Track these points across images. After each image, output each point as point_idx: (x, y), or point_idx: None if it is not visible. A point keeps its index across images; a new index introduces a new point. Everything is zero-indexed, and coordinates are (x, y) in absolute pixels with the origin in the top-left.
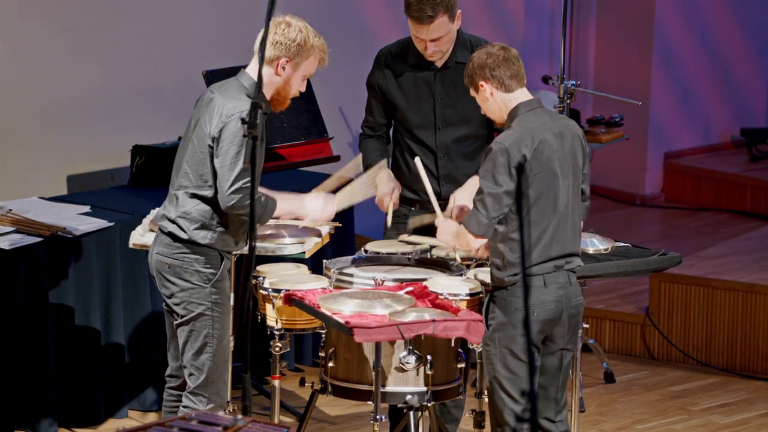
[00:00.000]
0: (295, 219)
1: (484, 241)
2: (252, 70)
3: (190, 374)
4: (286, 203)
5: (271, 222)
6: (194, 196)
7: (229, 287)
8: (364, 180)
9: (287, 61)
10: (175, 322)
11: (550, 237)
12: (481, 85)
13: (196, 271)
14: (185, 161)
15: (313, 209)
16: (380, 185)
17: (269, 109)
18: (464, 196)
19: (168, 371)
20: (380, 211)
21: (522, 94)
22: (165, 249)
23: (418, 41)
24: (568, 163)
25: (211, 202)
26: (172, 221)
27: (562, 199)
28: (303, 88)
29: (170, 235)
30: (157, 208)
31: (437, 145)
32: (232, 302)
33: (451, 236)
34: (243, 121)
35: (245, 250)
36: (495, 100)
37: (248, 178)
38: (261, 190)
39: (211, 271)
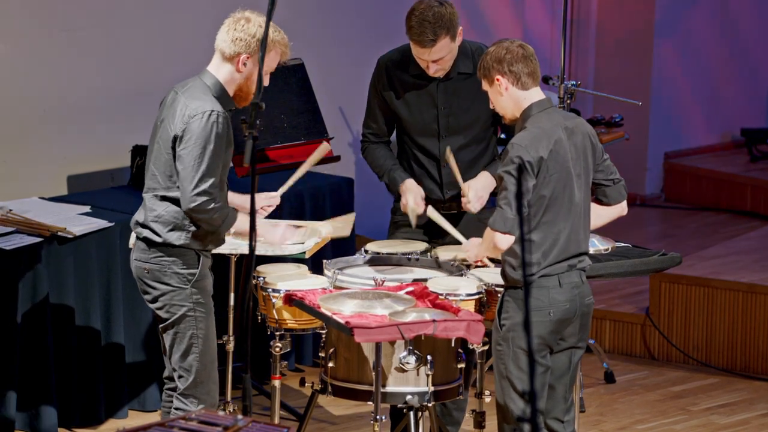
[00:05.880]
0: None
1: (512, 239)
2: (214, 68)
3: (180, 376)
4: (244, 220)
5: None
6: (164, 198)
7: (211, 285)
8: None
9: (248, 57)
10: (160, 326)
11: (566, 237)
12: (498, 80)
13: (175, 273)
14: (153, 164)
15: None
16: (407, 193)
17: (233, 105)
18: (478, 184)
19: (165, 373)
20: (380, 211)
21: (536, 93)
22: (142, 254)
23: (421, 61)
24: (580, 163)
25: (179, 202)
26: (145, 226)
27: (577, 198)
28: (266, 83)
29: (145, 240)
30: None
31: (441, 153)
32: (232, 302)
33: (477, 246)
34: (243, 121)
35: (223, 249)
36: (509, 96)
37: (213, 180)
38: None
39: (190, 271)
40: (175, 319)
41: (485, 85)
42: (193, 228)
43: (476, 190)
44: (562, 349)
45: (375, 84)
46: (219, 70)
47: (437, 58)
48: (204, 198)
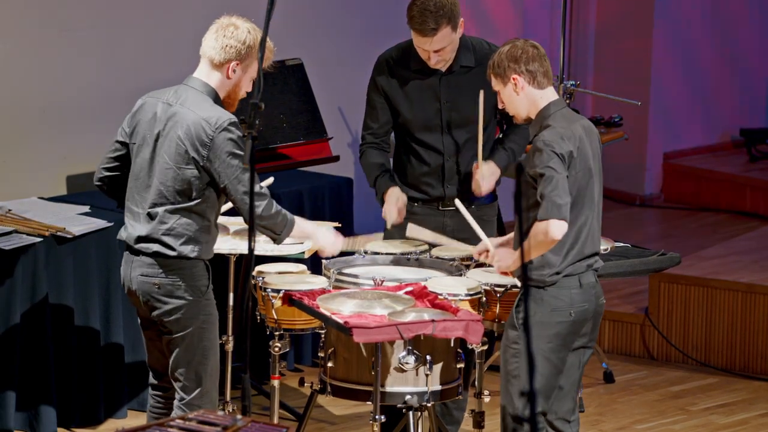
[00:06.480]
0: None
1: (566, 226)
2: (204, 75)
3: (184, 387)
4: (302, 224)
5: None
6: (174, 211)
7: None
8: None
9: (237, 64)
10: (168, 337)
11: (586, 235)
12: (514, 79)
13: (190, 286)
14: (156, 179)
15: (326, 239)
16: (388, 200)
17: None
18: (487, 168)
19: (154, 380)
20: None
21: (551, 93)
22: (150, 269)
23: (422, 51)
24: (596, 162)
25: (192, 212)
26: (156, 240)
27: (596, 197)
28: (250, 89)
29: (155, 255)
30: None
31: (445, 147)
32: (231, 302)
33: (512, 253)
34: (243, 121)
35: (222, 249)
36: (525, 96)
37: (259, 182)
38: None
39: (203, 283)
40: (188, 332)
41: (497, 85)
42: (204, 238)
43: (484, 171)
44: (574, 348)
45: (375, 81)
46: (210, 78)
47: (438, 48)
48: (264, 201)
